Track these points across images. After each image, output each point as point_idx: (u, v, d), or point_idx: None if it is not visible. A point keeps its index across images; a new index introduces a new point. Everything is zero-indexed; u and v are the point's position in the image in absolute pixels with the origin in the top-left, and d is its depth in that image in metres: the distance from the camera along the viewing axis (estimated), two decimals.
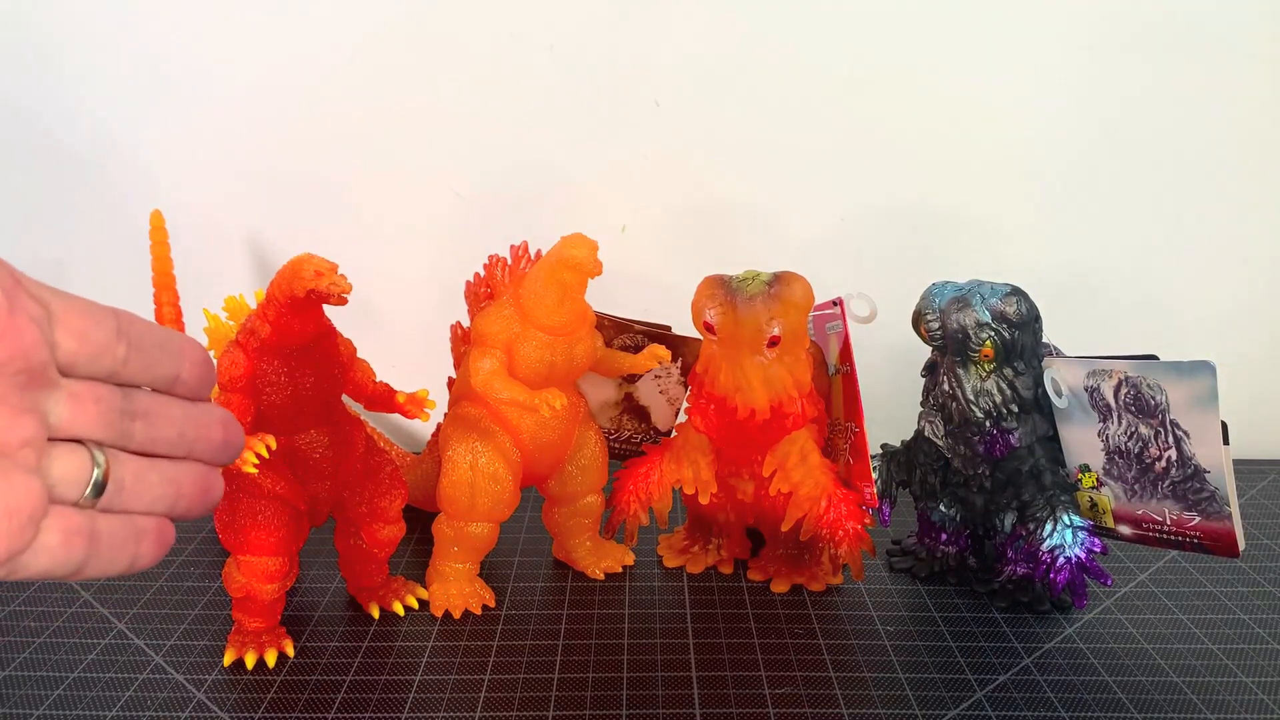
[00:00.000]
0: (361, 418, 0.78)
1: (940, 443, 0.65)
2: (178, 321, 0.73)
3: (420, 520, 0.76)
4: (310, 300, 0.51)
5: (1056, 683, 0.55)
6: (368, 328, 0.70)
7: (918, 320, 0.63)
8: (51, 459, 0.28)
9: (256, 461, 0.51)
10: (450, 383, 0.71)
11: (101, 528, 0.29)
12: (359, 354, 0.61)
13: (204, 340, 0.65)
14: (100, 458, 0.29)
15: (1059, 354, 0.63)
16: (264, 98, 0.83)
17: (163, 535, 0.32)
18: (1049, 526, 0.61)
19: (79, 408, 0.29)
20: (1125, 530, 0.62)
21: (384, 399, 0.61)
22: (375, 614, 0.63)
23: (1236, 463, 0.57)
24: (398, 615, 0.63)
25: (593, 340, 0.64)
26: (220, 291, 0.90)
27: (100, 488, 0.29)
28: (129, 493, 0.30)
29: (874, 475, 0.66)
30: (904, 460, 0.68)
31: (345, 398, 0.60)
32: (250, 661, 0.57)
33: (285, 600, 0.60)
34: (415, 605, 0.64)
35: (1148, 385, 0.56)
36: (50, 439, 0.28)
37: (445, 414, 0.69)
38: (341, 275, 0.51)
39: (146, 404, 0.31)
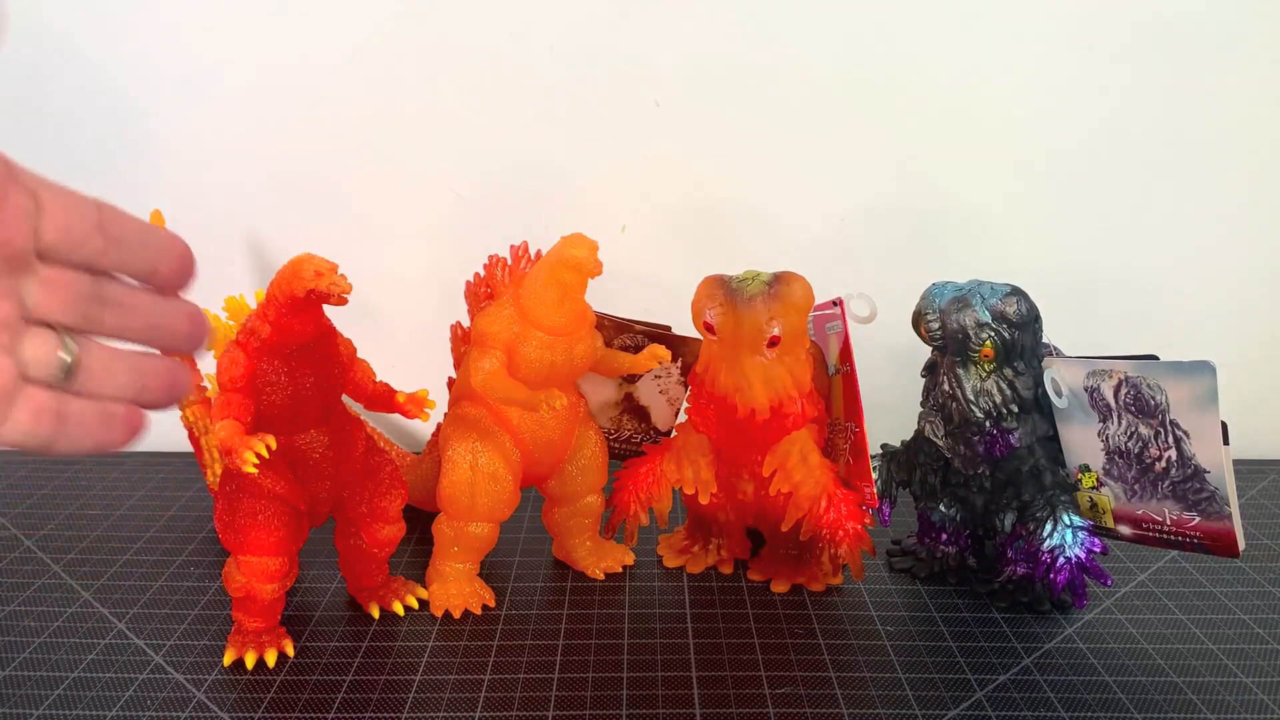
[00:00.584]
0: (361, 418, 0.78)
1: (940, 443, 0.65)
2: None
3: (420, 520, 0.76)
4: (310, 300, 0.51)
5: (1056, 683, 0.55)
6: (368, 328, 0.70)
7: (918, 320, 0.63)
8: (24, 341, 0.30)
9: (257, 461, 0.51)
10: (450, 383, 0.71)
11: (70, 409, 0.31)
12: (359, 354, 0.61)
13: None
14: (70, 343, 0.31)
15: (1059, 354, 0.63)
16: (265, 98, 0.83)
17: (131, 422, 0.33)
18: (1049, 526, 0.61)
19: (52, 294, 0.30)
20: (1125, 530, 0.62)
21: (384, 399, 0.61)
22: (375, 614, 0.63)
23: (1236, 463, 0.57)
24: (398, 615, 0.63)
25: (593, 340, 0.64)
26: (220, 292, 0.90)
27: (69, 370, 0.31)
28: (97, 378, 0.32)
29: (874, 475, 0.66)
30: (904, 460, 0.68)
31: (345, 398, 0.60)
32: (250, 662, 0.57)
33: (285, 600, 0.60)
34: (415, 605, 0.64)
35: (1148, 385, 0.56)
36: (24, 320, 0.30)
37: (445, 414, 0.69)
38: (341, 275, 0.51)
39: (118, 294, 0.32)
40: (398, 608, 0.64)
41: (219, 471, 0.73)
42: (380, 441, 0.81)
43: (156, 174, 0.85)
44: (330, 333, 0.57)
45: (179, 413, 0.73)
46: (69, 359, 0.30)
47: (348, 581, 0.65)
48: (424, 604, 0.65)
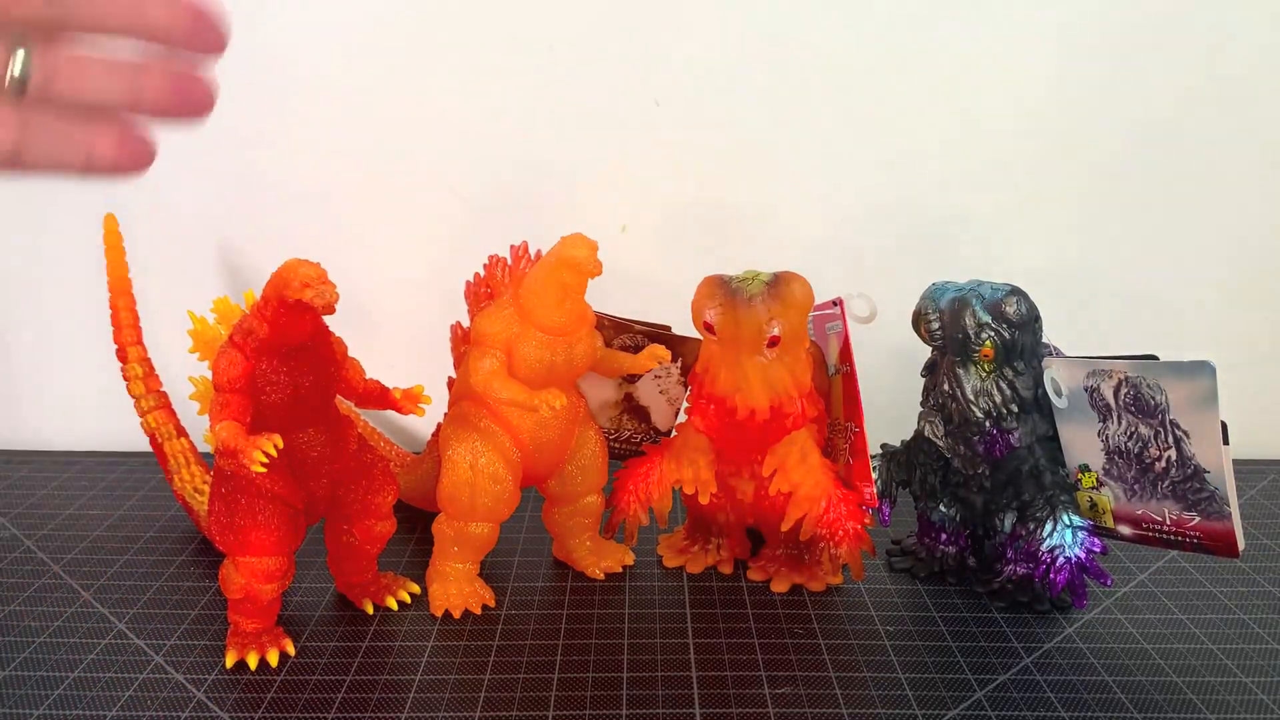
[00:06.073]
0: (353, 416, 0.78)
1: (940, 443, 0.65)
2: (135, 327, 0.72)
3: (420, 520, 0.76)
4: (301, 306, 0.52)
5: (1056, 683, 0.55)
6: (368, 328, 0.70)
7: (918, 320, 0.63)
8: None
9: (265, 461, 0.51)
10: (450, 383, 0.71)
11: (35, 118, 0.28)
12: (357, 354, 0.61)
13: (189, 342, 0.65)
14: (20, 49, 0.27)
15: (1059, 354, 0.63)
16: (266, 99, 0.83)
17: (127, 135, 0.29)
18: (1049, 526, 0.61)
19: None
20: (1125, 530, 0.62)
21: (376, 396, 0.61)
22: (369, 609, 0.63)
23: (1236, 463, 0.57)
24: (397, 615, 0.63)
25: (593, 340, 0.64)
26: (219, 292, 0.90)
27: (23, 79, 0.27)
28: (66, 82, 0.28)
29: (874, 475, 0.66)
30: (904, 460, 0.68)
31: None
32: (253, 662, 0.57)
33: (281, 601, 0.60)
34: (408, 600, 0.65)
35: (1148, 385, 0.56)
36: None
37: (445, 414, 0.69)
38: (328, 285, 0.51)
39: None
40: (391, 603, 0.64)
41: (185, 477, 0.73)
42: (380, 441, 0.81)
43: (159, 175, 0.85)
44: (325, 331, 0.57)
45: (139, 419, 0.73)
46: (22, 65, 0.26)
47: (336, 579, 0.65)
48: (424, 604, 0.65)
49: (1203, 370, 0.53)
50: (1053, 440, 0.63)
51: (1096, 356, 0.59)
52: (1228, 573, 0.68)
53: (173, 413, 0.74)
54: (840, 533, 0.64)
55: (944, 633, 0.61)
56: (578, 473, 0.68)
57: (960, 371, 0.62)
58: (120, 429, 0.83)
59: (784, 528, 0.65)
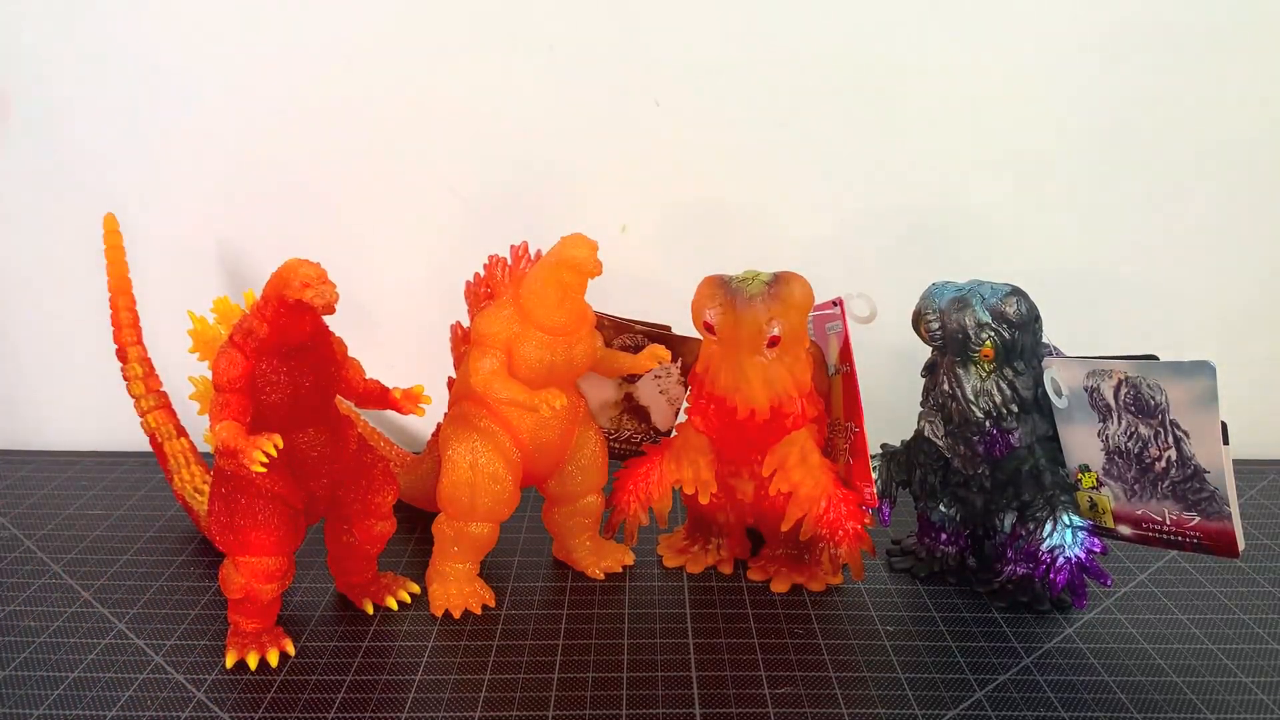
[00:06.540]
0: (353, 416, 0.78)
1: (940, 443, 0.65)
2: (135, 327, 0.72)
3: (420, 520, 0.76)
4: (301, 306, 0.52)
5: (1056, 683, 0.55)
6: (368, 328, 0.70)
7: (918, 320, 0.63)
8: None
9: (265, 461, 0.51)
10: (450, 383, 0.71)
11: None
12: (357, 354, 0.61)
13: (189, 342, 0.65)
14: None
15: (1059, 354, 0.63)
16: (266, 98, 0.83)
17: None
18: (1049, 526, 0.61)
19: None
20: (1125, 530, 0.62)
21: (376, 396, 0.61)
22: (369, 609, 0.63)
23: (1236, 463, 0.57)
24: (397, 615, 0.63)
25: (593, 340, 0.64)
26: (219, 292, 0.90)
27: None
28: None
29: (874, 475, 0.66)
30: (904, 460, 0.68)
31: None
32: (253, 662, 0.57)
33: (281, 601, 0.60)
34: (408, 600, 0.65)
35: (1148, 385, 0.56)
36: None
37: (445, 414, 0.69)
38: (328, 285, 0.51)
39: None
40: (391, 603, 0.64)
41: (185, 477, 0.73)
42: (380, 441, 0.81)
43: (161, 174, 0.85)
44: (325, 331, 0.57)
45: (139, 419, 0.73)
46: None
47: (336, 578, 0.65)
48: (424, 604, 0.65)
49: (1203, 370, 0.53)
50: (1053, 440, 0.63)
51: (1096, 356, 0.59)
52: (1228, 573, 0.68)
53: (173, 413, 0.74)
54: (840, 533, 0.64)
55: (944, 633, 0.61)
56: (578, 473, 0.68)
57: (960, 371, 0.62)
58: (120, 429, 0.83)
59: (784, 528, 0.65)
